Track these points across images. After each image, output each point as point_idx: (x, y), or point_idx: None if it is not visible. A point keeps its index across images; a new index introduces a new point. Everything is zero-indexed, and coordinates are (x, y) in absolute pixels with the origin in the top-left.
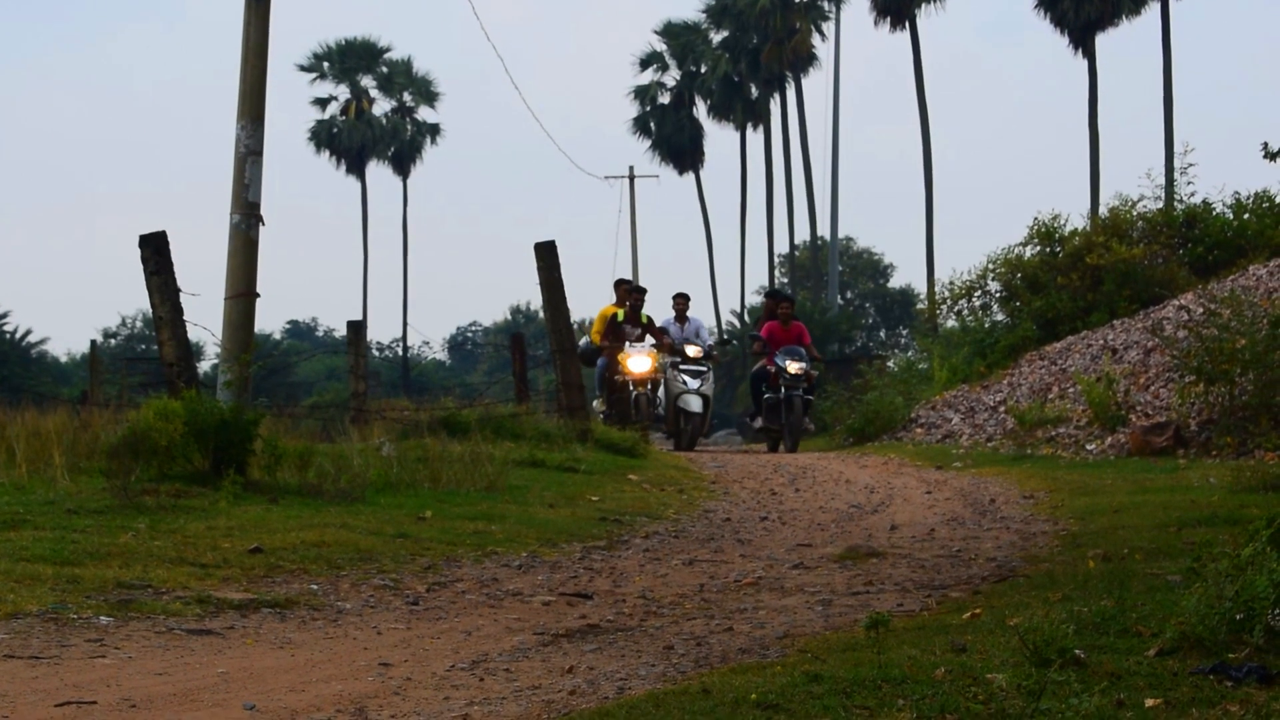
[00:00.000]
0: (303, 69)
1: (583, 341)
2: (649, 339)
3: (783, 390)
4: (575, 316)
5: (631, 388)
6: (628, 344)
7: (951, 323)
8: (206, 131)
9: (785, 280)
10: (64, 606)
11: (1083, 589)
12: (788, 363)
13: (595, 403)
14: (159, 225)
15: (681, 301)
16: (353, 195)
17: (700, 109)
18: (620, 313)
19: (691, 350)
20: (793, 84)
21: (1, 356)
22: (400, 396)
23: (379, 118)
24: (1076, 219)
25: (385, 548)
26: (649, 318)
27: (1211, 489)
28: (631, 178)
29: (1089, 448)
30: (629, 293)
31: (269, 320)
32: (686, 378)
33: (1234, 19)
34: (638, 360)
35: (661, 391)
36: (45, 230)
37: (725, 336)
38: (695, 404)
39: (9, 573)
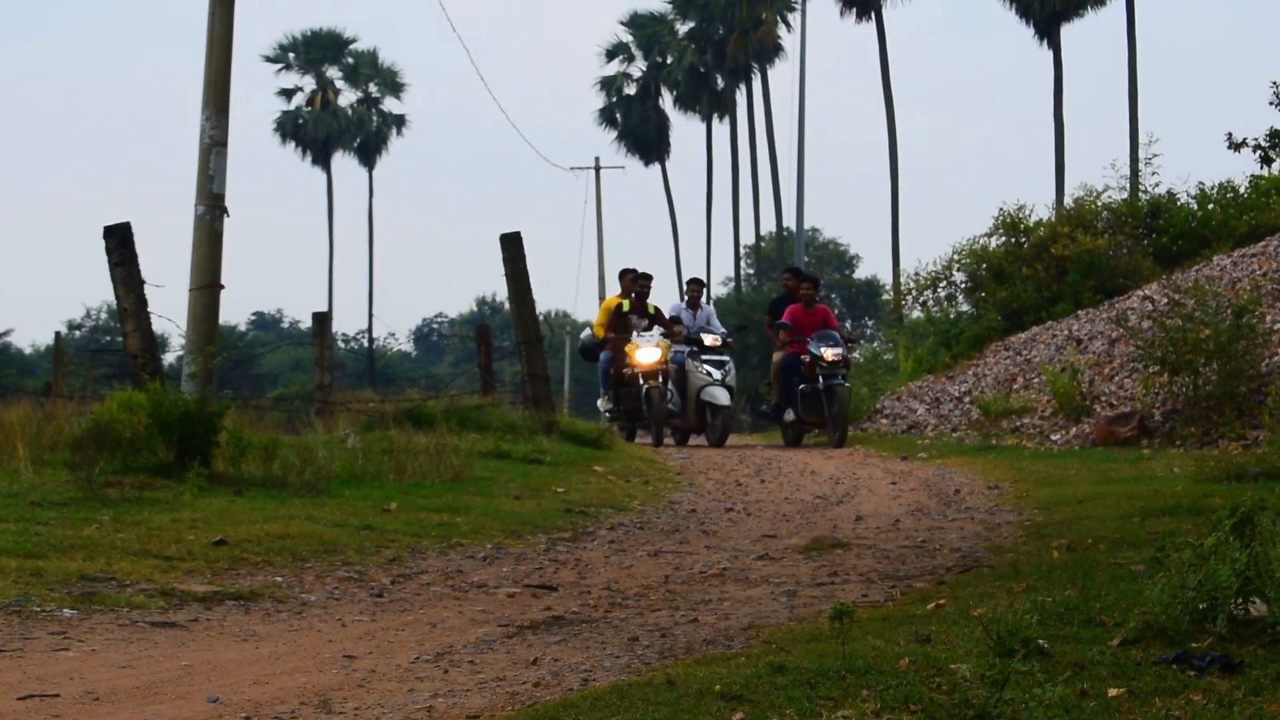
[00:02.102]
0: (268, 60)
1: (584, 334)
2: (657, 329)
3: (821, 380)
4: (541, 308)
5: (642, 381)
6: (635, 334)
7: (917, 313)
8: (171, 122)
9: (751, 271)
10: (27, 599)
11: (1047, 579)
12: (824, 349)
13: (600, 401)
14: (124, 217)
15: (696, 288)
16: (318, 186)
17: (666, 100)
18: (625, 303)
19: (708, 339)
20: (758, 75)
21: None
22: (365, 388)
23: (344, 109)
24: (1041, 209)
25: (350, 540)
26: (656, 307)
27: (1175, 479)
28: (597, 169)
29: (1054, 438)
30: (634, 280)
31: (234, 312)
32: (710, 368)
33: (1198, 10)
34: (647, 351)
35: (671, 384)
36: (9, 222)
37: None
38: (723, 396)
39: None
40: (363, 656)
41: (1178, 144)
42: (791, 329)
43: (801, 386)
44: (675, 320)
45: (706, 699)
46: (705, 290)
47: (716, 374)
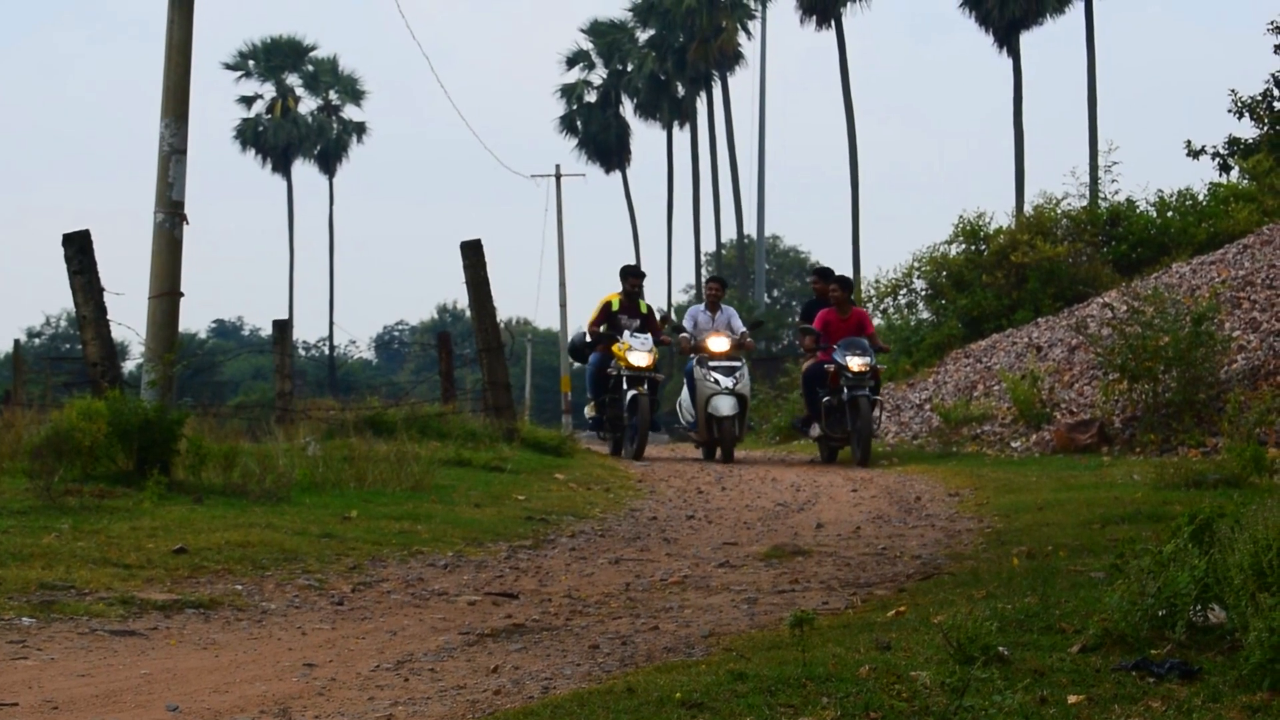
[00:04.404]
0: (228, 67)
1: (574, 333)
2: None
3: (845, 391)
4: (502, 315)
5: (626, 385)
6: (626, 333)
7: (878, 321)
8: (131, 130)
9: None
10: None
11: (1007, 586)
12: (849, 358)
13: (586, 408)
14: (83, 224)
15: (716, 288)
16: (278, 194)
17: (627, 107)
18: (614, 300)
19: (714, 344)
20: (719, 82)
21: None
22: (326, 396)
23: (305, 116)
24: (1002, 217)
25: (310, 548)
26: (649, 306)
27: (1135, 486)
28: (558, 176)
29: (1014, 445)
30: (626, 278)
31: (194, 319)
32: (718, 375)
33: (1157, 18)
34: (639, 353)
35: (682, 395)
36: None
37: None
38: (725, 406)
39: None
40: (323, 665)
41: (1137, 152)
42: (816, 335)
43: (826, 399)
44: (678, 329)
45: (667, 707)
46: (725, 290)
47: (726, 381)
